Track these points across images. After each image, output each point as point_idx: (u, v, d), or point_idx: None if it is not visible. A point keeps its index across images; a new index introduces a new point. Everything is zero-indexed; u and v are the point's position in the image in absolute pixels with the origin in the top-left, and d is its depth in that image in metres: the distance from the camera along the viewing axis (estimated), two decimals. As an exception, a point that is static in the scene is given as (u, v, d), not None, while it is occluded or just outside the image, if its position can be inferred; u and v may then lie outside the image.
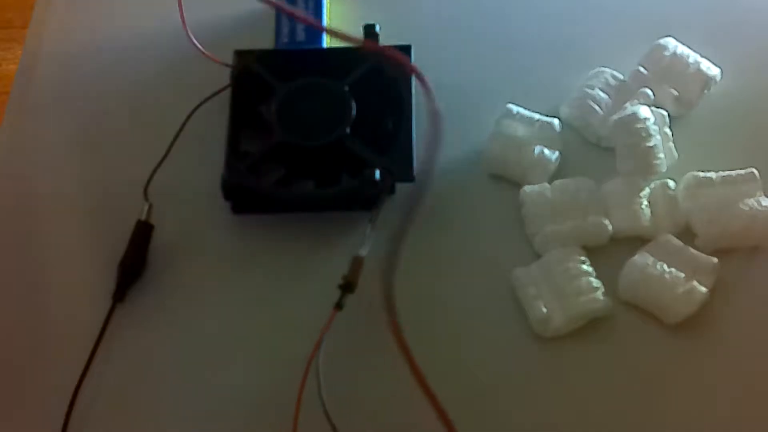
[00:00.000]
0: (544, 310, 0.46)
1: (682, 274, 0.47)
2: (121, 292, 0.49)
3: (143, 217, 0.50)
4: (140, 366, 0.48)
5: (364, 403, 0.46)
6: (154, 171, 0.52)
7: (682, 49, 0.54)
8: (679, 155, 0.51)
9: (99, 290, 0.49)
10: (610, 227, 0.49)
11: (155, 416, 0.46)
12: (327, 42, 0.55)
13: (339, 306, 0.46)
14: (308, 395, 0.43)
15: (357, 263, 0.46)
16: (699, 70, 0.53)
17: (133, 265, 0.50)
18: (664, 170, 0.50)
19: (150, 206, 0.51)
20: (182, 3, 0.55)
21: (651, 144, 0.49)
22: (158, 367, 0.48)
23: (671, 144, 0.51)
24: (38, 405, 0.47)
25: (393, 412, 0.46)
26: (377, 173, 0.49)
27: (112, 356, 0.48)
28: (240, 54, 0.54)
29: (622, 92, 0.52)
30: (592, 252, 0.48)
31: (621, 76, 0.53)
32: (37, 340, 0.49)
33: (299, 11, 0.55)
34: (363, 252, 0.47)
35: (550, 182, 0.50)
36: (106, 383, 0.47)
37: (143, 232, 0.50)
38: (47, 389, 0.47)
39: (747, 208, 0.48)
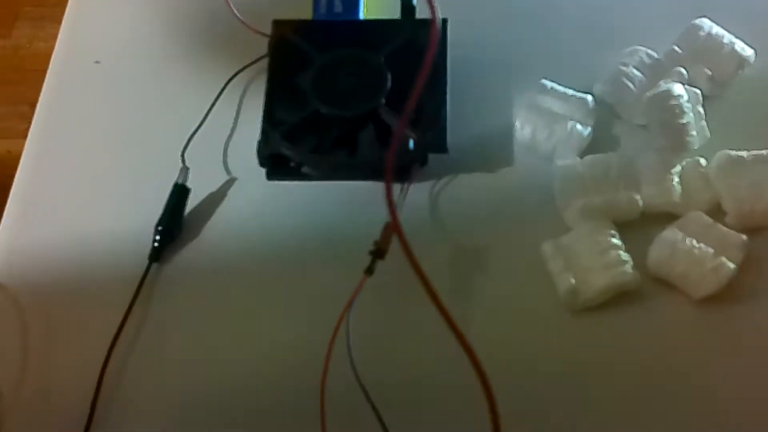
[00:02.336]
0: (573, 282, 0.47)
1: (711, 250, 0.47)
2: (157, 253, 0.50)
3: (180, 180, 0.51)
4: (174, 323, 0.49)
5: (393, 364, 0.47)
6: (192, 136, 0.53)
7: (716, 30, 0.54)
8: (711, 134, 0.51)
9: (136, 250, 0.50)
10: (640, 202, 0.49)
11: (187, 372, 0.47)
12: (364, 14, 0.56)
13: (370, 271, 0.46)
14: (337, 354, 0.44)
15: (388, 230, 0.47)
16: (733, 51, 0.53)
17: (170, 227, 0.51)
18: (696, 147, 0.50)
19: (187, 170, 0.52)
20: (222, -28, 0.56)
21: (684, 121, 0.49)
22: (191, 324, 0.49)
23: (704, 123, 0.51)
24: (75, 359, 0.48)
25: (420, 373, 0.47)
26: (411, 143, 0.49)
27: (147, 314, 0.49)
28: (278, 24, 0.55)
29: (657, 71, 0.53)
30: (622, 227, 0.49)
31: (656, 55, 0.53)
32: (76, 296, 0.50)
33: None
34: (395, 219, 0.48)
35: (581, 157, 0.51)
36: (140, 339, 0.48)
37: (180, 195, 0.51)
38: (84, 344, 0.48)
39: (778, 188, 0.48)
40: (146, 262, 0.50)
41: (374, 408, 0.43)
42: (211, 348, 0.48)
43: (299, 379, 0.45)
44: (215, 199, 0.52)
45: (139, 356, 0.48)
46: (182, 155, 0.52)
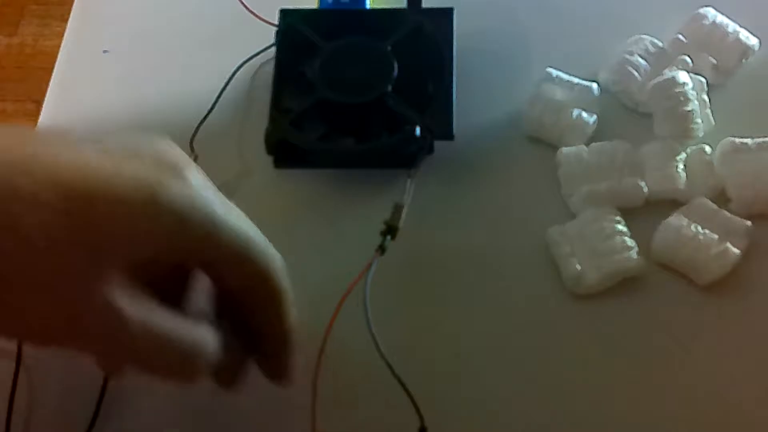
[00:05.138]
0: (578, 267, 0.47)
1: (716, 236, 0.47)
2: (165, 239, 0.50)
3: (189, 168, 0.52)
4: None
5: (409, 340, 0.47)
6: (200, 124, 0.53)
7: (721, 19, 0.54)
8: (716, 122, 0.51)
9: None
10: (645, 189, 0.49)
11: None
12: (370, 3, 0.56)
13: (382, 250, 0.46)
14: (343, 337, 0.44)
15: (398, 210, 0.47)
16: (737, 40, 0.53)
17: (178, 214, 0.51)
18: (701, 135, 0.50)
19: (196, 157, 0.52)
20: (230, -38, 0.57)
21: (689, 108, 0.50)
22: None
23: (708, 111, 0.51)
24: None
25: (430, 348, 0.47)
26: (417, 130, 0.50)
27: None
28: (285, 13, 0.55)
29: (661, 59, 0.53)
30: (627, 213, 0.49)
31: (660, 44, 0.54)
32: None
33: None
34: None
35: (587, 145, 0.51)
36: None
37: (188, 182, 0.52)
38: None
39: (782, 174, 0.49)
40: (155, 248, 0.50)
41: (400, 382, 0.43)
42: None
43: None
44: (223, 187, 0.52)
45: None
46: (191, 143, 0.53)
